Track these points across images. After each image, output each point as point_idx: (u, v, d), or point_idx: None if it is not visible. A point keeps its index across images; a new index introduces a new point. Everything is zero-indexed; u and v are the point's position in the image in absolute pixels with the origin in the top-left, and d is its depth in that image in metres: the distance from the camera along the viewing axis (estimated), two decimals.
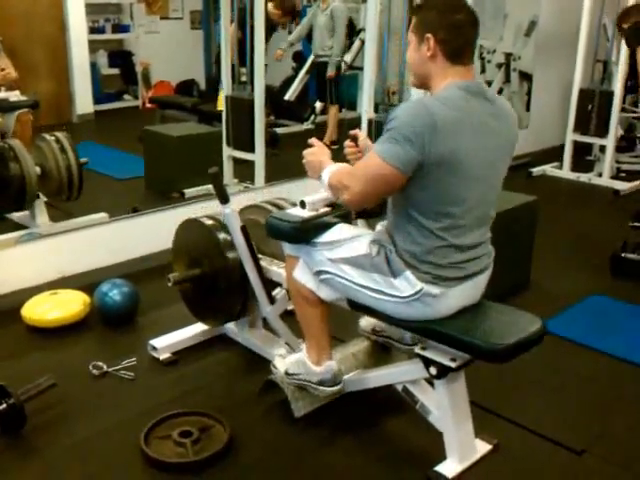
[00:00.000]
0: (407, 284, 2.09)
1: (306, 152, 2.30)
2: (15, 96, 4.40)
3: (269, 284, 2.77)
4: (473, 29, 2.05)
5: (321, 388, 2.42)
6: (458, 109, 1.98)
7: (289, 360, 2.52)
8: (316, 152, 2.29)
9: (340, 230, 2.30)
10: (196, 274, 2.88)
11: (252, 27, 4.57)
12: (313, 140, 2.37)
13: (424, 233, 2.06)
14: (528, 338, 2.11)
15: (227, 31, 4.77)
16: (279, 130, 6.85)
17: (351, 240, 2.25)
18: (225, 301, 2.88)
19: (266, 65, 6.72)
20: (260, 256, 2.77)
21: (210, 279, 2.86)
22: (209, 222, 2.86)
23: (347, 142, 2.41)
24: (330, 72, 6.56)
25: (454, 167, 1.98)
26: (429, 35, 2.02)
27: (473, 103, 2.02)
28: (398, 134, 1.94)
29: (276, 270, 2.73)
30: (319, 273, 2.30)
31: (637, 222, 4.63)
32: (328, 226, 2.31)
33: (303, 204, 2.32)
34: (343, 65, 6.92)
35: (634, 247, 3.89)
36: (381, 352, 2.70)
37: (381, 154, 1.97)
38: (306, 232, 2.30)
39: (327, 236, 2.28)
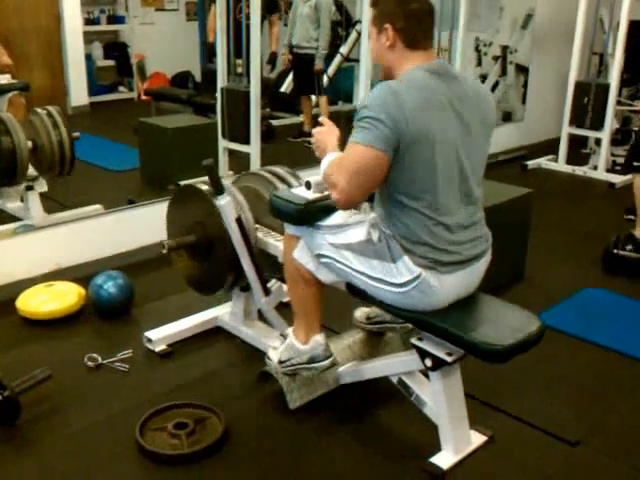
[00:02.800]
0: (405, 269, 2.09)
1: (315, 131, 2.28)
2: (5, 79, 4.38)
3: (264, 276, 2.76)
4: (430, 17, 2.12)
5: (313, 365, 2.42)
6: (423, 88, 2.01)
7: (280, 349, 2.52)
8: (325, 131, 2.26)
9: (343, 214, 2.28)
10: (191, 241, 2.83)
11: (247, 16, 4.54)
12: (324, 119, 2.33)
13: (411, 214, 2.06)
14: (526, 339, 2.10)
15: (223, 22, 4.74)
16: (275, 122, 6.83)
17: (354, 225, 2.24)
18: (219, 269, 2.84)
19: (275, 53, 6.67)
20: (257, 226, 2.75)
21: (205, 246, 2.82)
22: (204, 188, 2.79)
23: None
24: (318, 65, 6.44)
25: (428, 144, 1.99)
26: (387, 25, 2.08)
27: (438, 82, 2.05)
28: (370, 119, 1.96)
29: (273, 243, 2.70)
30: (319, 256, 2.29)
31: (631, 215, 4.65)
32: (332, 209, 2.28)
33: (308, 185, 2.30)
34: (339, 57, 6.91)
35: (626, 243, 3.84)
36: (376, 343, 2.70)
37: (359, 141, 1.98)
38: (310, 215, 2.28)
39: (331, 220, 2.27)
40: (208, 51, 6.61)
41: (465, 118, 2.08)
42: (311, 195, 2.29)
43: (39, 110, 3.98)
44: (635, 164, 3.91)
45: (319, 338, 2.42)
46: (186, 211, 2.90)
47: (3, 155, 3.80)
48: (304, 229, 2.32)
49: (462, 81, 2.12)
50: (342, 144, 2.19)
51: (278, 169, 2.90)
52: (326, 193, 2.29)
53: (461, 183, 2.10)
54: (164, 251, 2.78)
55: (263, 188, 2.81)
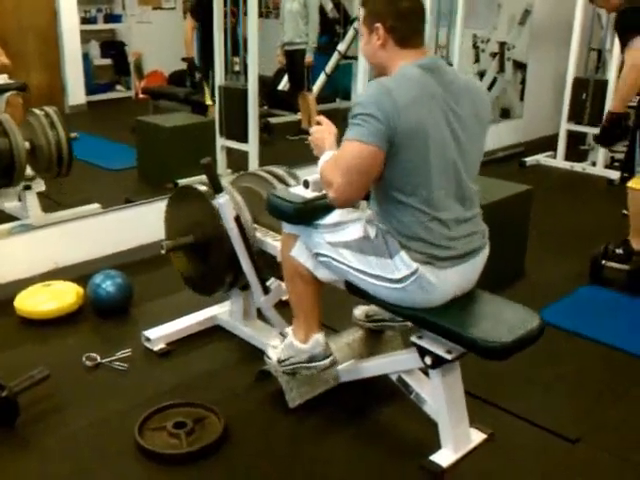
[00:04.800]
0: (402, 265, 2.09)
1: (313, 129, 2.29)
2: (3, 79, 4.38)
3: (263, 274, 2.76)
4: (420, 16, 2.13)
5: (313, 364, 2.41)
6: (416, 84, 2.02)
7: (279, 348, 2.51)
8: (323, 129, 2.27)
9: (341, 212, 2.27)
10: (189, 242, 2.83)
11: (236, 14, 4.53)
12: (321, 118, 2.34)
13: (406, 210, 2.06)
14: (526, 336, 2.09)
15: (220, 20, 4.73)
16: (273, 120, 6.82)
17: (351, 223, 2.24)
18: (218, 269, 2.84)
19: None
20: (256, 226, 2.75)
21: (203, 247, 2.82)
22: (202, 188, 2.80)
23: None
24: (309, 58, 6.45)
25: (421, 140, 2.00)
26: (378, 25, 2.09)
27: (431, 78, 2.05)
28: (364, 116, 1.96)
29: (271, 242, 2.69)
30: (317, 255, 2.29)
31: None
32: (330, 208, 2.27)
33: (306, 184, 2.29)
34: (336, 54, 6.91)
35: (619, 247, 3.68)
36: (376, 341, 2.69)
37: (353, 137, 1.99)
38: (308, 213, 2.27)
39: (328, 219, 2.27)
40: (188, 67, 6.46)
41: (458, 113, 2.08)
42: (309, 194, 2.29)
43: (36, 111, 3.97)
44: (625, 175, 3.81)
45: (319, 337, 2.41)
46: (184, 212, 2.89)
47: (1, 156, 3.78)
48: (302, 228, 2.31)
49: (454, 77, 2.12)
50: (339, 142, 2.19)
51: (276, 169, 2.89)
52: (324, 192, 2.28)
53: (455, 178, 2.10)
54: (163, 252, 2.79)
55: (261, 188, 2.81)
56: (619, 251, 3.65)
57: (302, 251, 2.33)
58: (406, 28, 2.09)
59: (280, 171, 2.86)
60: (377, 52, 2.13)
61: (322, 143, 2.21)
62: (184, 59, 6.45)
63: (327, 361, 2.42)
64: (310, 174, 2.30)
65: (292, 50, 6.51)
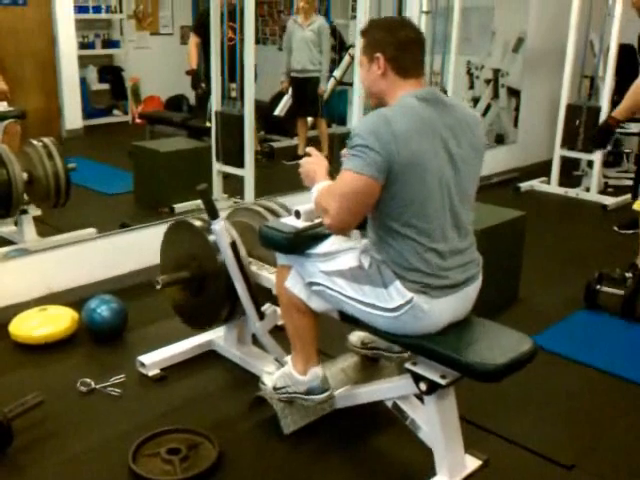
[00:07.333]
0: (397, 294, 2.09)
1: (303, 161, 2.30)
2: (2, 107, 4.40)
3: (258, 300, 2.76)
4: (419, 45, 2.15)
5: (310, 397, 2.41)
6: (415, 115, 2.03)
7: (276, 375, 2.51)
8: (313, 162, 2.28)
9: (334, 241, 2.29)
10: (185, 277, 2.85)
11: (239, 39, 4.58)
12: (311, 149, 2.36)
13: (403, 240, 2.07)
14: (519, 358, 2.09)
15: (217, 46, 4.78)
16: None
17: (345, 252, 2.25)
18: (214, 304, 2.85)
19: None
20: (250, 260, 2.76)
21: (199, 281, 2.83)
22: (198, 224, 2.83)
23: (344, 151, 2.40)
24: (323, 87, 6.53)
25: (419, 171, 2.00)
26: (378, 54, 2.11)
27: (429, 109, 2.07)
28: (363, 147, 1.97)
29: (266, 275, 2.71)
30: (311, 284, 2.29)
31: (625, 229, 4.74)
32: (322, 237, 2.29)
33: (298, 214, 2.31)
34: (332, 81, 6.96)
35: (625, 275, 3.66)
36: (371, 367, 2.69)
37: (351, 168, 2.00)
38: (300, 243, 2.28)
39: (321, 248, 2.28)
40: (192, 79, 6.46)
41: (455, 145, 2.09)
42: (301, 224, 2.30)
43: (34, 141, 3.99)
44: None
45: (318, 371, 2.41)
46: (180, 245, 2.92)
47: None
48: (295, 258, 2.32)
49: (452, 107, 2.14)
50: (330, 173, 2.23)
51: (270, 203, 2.92)
52: (316, 221, 2.31)
53: (452, 209, 2.11)
54: (158, 287, 2.79)
55: (256, 222, 2.83)
56: (628, 275, 3.65)
57: (296, 281, 2.34)
58: (406, 58, 2.11)
59: (274, 205, 2.89)
60: (377, 81, 2.14)
61: (313, 174, 2.23)
62: (188, 72, 6.46)
63: (324, 395, 2.41)
64: (305, 200, 2.32)
65: (304, 77, 6.55)
